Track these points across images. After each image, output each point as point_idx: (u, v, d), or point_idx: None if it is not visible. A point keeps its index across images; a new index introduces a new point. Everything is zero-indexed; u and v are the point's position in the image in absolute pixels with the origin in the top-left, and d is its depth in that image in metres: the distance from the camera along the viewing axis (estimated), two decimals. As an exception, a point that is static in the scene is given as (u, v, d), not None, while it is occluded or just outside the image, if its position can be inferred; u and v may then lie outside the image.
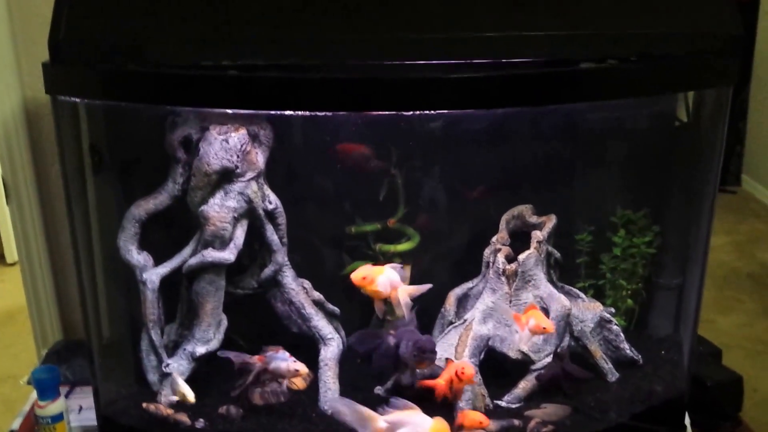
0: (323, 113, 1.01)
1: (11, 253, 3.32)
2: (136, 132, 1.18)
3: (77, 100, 1.08)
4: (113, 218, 1.21)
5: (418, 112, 1.00)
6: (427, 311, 1.26)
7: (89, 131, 1.14)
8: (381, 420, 1.01)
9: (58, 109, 1.09)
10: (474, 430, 1.08)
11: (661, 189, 1.36)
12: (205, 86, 0.96)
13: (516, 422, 1.13)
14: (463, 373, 1.09)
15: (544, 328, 1.14)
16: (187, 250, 1.20)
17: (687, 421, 1.27)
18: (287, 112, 1.01)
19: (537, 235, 1.27)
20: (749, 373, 1.39)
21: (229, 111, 1.09)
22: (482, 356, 1.21)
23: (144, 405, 1.18)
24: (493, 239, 1.29)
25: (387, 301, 1.34)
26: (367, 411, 1.02)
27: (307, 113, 1.01)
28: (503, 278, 1.25)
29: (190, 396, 1.15)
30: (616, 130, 1.30)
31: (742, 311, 2.82)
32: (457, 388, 1.11)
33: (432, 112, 1.04)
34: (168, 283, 1.20)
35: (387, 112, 1.00)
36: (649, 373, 1.27)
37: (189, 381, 1.20)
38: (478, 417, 1.09)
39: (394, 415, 1.01)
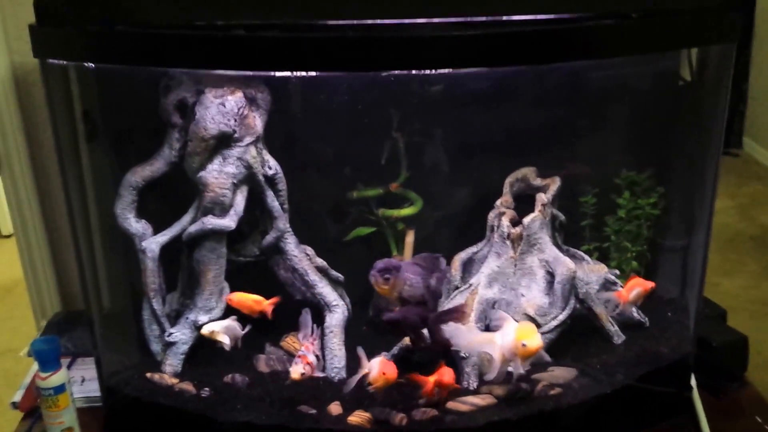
0: (321, 74, 0.98)
1: (6, 225, 3.29)
2: (129, 96, 1.15)
3: (67, 63, 1.04)
4: (109, 186, 1.18)
5: (418, 72, 0.97)
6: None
7: (81, 96, 1.11)
8: (497, 336, 1.05)
9: (48, 74, 1.06)
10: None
11: (666, 150, 1.34)
12: (199, 47, 0.93)
13: (524, 385, 1.13)
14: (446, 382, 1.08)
15: (645, 290, 1.22)
16: (186, 218, 1.18)
17: (693, 382, 1.26)
18: (285, 74, 0.98)
19: (541, 197, 1.25)
20: (754, 335, 1.38)
21: (223, 72, 1.06)
22: (488, 320, 1.20)
23: (148, 375, 1.17)
24: (497, 202, 1.27)
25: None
26: (482, 335, 1.09)
27: (305, 74, 0.98)
28: (508, 242, 1.23)
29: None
30: (620, 90, 1.28)
31: (746, 273, 2.82)
32: (442, 390, 1.09)
33: (432, 71, 1.01)
34: (168, 251, 1.18)
35: (386, 72, 0.98)
36: (655, 334, 1.27)
37: (192, 350, 1.19)
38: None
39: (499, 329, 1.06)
